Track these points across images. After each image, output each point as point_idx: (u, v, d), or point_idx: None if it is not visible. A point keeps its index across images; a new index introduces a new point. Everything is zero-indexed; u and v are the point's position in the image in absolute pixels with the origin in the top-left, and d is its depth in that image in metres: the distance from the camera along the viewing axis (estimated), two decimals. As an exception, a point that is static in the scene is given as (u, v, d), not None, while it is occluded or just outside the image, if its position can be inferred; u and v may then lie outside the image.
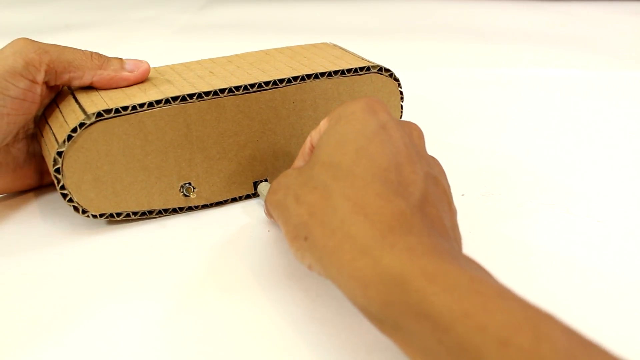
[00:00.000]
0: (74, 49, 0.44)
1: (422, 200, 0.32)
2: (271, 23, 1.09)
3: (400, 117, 0.53)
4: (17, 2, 1.28)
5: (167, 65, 0.50)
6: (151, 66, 0.49)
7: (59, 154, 0.40)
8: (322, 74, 0.47)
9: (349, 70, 0.48)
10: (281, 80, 0.46)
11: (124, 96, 0.43)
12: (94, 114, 0.41)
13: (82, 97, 0.43)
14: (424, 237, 0.29)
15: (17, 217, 0.46)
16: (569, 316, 0.29)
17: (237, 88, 0.44)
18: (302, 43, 0.56)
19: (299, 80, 0.46)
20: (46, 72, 0.42)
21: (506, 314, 0.24)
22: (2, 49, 0.42)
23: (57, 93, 0.46)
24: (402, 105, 0.52)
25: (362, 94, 0.49)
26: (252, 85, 0.45)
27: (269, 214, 0.41)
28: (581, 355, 0.23)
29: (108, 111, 0.41)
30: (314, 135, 0.40)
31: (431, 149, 0.40)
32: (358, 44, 0.69)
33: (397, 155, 0.33)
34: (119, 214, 0.44)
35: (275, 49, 0.54)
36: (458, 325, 0.25)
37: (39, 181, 0.49)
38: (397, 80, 0.51)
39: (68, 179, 0.41)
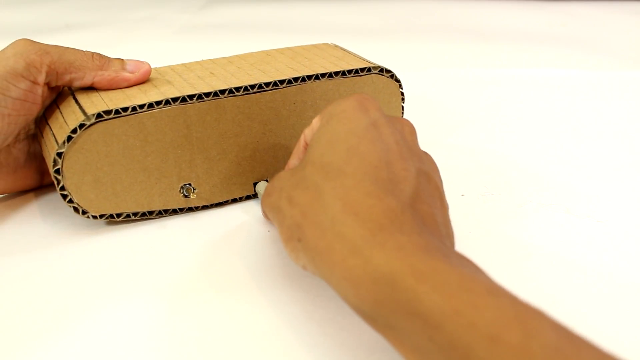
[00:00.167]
0: (75, 49, 0.44)
1: (413, 197, 0.32)
2: (271, 23, 1.09)
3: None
4: (17, 2, 1.28)
5: (167, 66, 0.50)
6: (151, 66, 0.49)
7: (59, 154, 0.40)
8: (323, 75, 0.47)
9: (349, 71, 0.48)
10: (282, 81, 0.46)
11: (124, 97, 0.43)
12: (93, 114, 0.41)
13: (82, 98, 0.43)
14: (415, 235, 0.29)
15: (17, 217, 0.46)
16: (569, 316, 0.29)
17: (238, 89, 0.44)
18: (303, 43, 0.56)
19: (299, 81, 0.46)
20: (47, 73, 0.42)
21: (496, 311, 0.25)
22: (3, 50, 0.42)
23: (58, 94, 0.46)
24: (403, 106, 0.52)
25: (363, 94, 0.49)
26: (252, 86, 0.45)
27: (265, 215, 0.41)
28: (570, 351, 0.23)
29: (108, 112, 0.41)
30: (307, 133, 0.40)
31: (431, 149, 0.40)
32: (358, 44, 0.69)
33: (387, 152, 0.33)
34: (119, 215, 0.44)
35: (276, 50, 0.54)
36: (448, 323, 0.25)
37: (40, 181, 0.49)
38: (398, 81, 0.51)
39: (68, 179, 0.41)
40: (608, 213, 0.45)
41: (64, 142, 0.40)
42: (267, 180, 0.48)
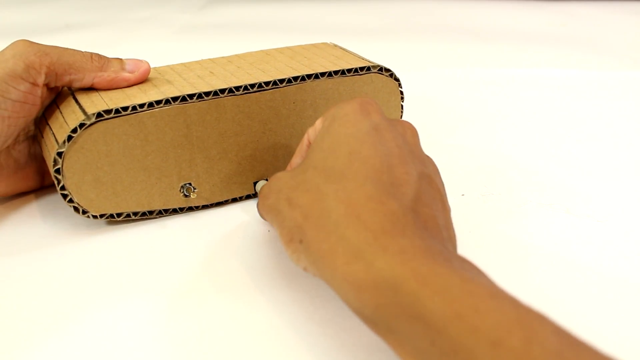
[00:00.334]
0: (74, 50, 0.44)
1: (415, 200, 0.32)
2: (271, 23, 1.09)
3: (401, 117, 0.53)
4: (17, 2, 1.28)
5: (167, 66, 0.50)
6: (151, 66, 0.49)
7: (59, 154, 0.40)
8: (323, 74, 0.47)
9: (349, 70, 0.48)
10: (281, 80, 0.46)
11: (124, 96, 0.43)
12: (94, 114, 0.41)
13: (82, 98, 0.43)
14: (417, 239, 0.29)
15: (18, 217, 0.46)
16: (569, 316, 0.29)
17: (238, 88, 0.44)
18: (302, 43, 0.56)
19: (299, 80, 0.46)
20: (46, 75, 0.42)
21: (498, 315, 0.25)
22: (2, 51, 0.42)
23: (57, 94, 0.46)
24: (402, 105, 0.52)
25: (363, 93, 0.49)
26: (252, 86, 0.45)
27: (260, 214, 0.41)
28: (571, 355, 0.23)
29: (108, 111, 0.41)
30: (310, 133, 0.40)
31: (431, 149, 0.40)
32: (358, 44, 0.69)
33: (389, 156, 0.33)
34: (119, 215, 0.44)
35: (276, 49, 0.54)
36: (450, 327, 0.25)
37: (41, 182, 0.49)
38: (397, 80, 0.51)
39: (68, 179, 0.41)
40: (608, 213, 0.45)
41: (64, 142, 0.40)
42: (267, 180, 0.48)
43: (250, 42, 0.77)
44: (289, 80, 0.46)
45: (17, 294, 0.38)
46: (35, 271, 0.40)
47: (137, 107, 0.42)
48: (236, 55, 0.52)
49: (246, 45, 0.61)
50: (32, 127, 0.48)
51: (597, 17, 1.07)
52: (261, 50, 0.54)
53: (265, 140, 0.47)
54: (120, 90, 0.44)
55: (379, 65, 0.49)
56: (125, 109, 0.41)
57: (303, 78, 0.46)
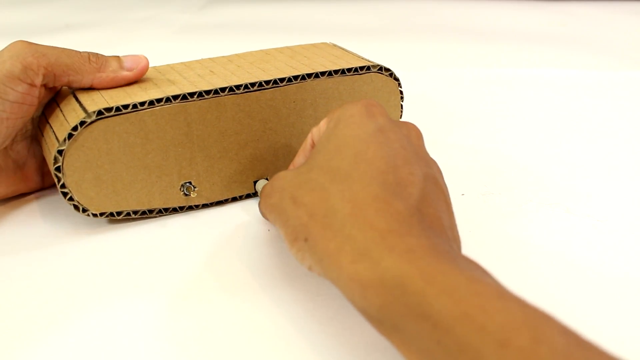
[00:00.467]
0: (72, 51, 0.44)
1: (421, 200, 0.32)
2: (271, 23, 1.09)
3: (400, 117, 0.53)
4: (17, 2, 1.28)
5: (168, 65, 0.50)
6: (151, 66, 0.49)
7: (60, 152, 0.40)
8: (323, 74, 0.47)
9: (349, 70, 0.48)
10: (282, 80, 0.46)
11: (125, 94, 0.43)
12: (94, 112, 0.41)
13: (83, 96, 0.43)
14: (423, 239, 0.29)
15: (18, 217, 0.46)
16: (569, 316, 0.29)
17: (238, 87, 0.44)
18: (302, 43, 0.56)
19: (299, 79, 0.46)
20: (44, 75, 0.42)
21: (505, 315, 0.24)
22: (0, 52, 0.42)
23: (57, 93, 0.46)
24: (402, 105, 0.52)
25: (362, 93, 0.49)
26: (252, 84, 0.45)
27: (262, 214, 0.41)
28: (579, 356, 0.23)
29: (109, 109, 0.41)
30: (315, 133, 0.41)
31: (431, 148, 0.40)
32: (358, 44, 0.69)
33: (394, 157, 0.34)
34: (119, 213, 0.44)
35: (275, 49, 0.54)
36: (457, 326, 0.25)
37: (41, 183, 0.49)
38: (397, 79, 0.51)
39: (68, 177, 0.41)
40: (608, 212, 0.45)
41: (64, 140, 0.40)
42: (267, 179, 0.48)
43: (250, 42, 0.77)
44: (289, 80, 0.46)
45: (17, 293, 0.38)
46: (36, 270, 0.40)
47: (138, 105, 0.42)
48: (236, 54, 0.52)
49: (246, 45, 0.61)
50: (30, 127, 0.47)
51: (597, 17, 1.07)
52: (261, 50, 0.54)
53: (265, 139, 0.47)
54: (120, 88, 0.44)
55: (378, 65, 0.49)
56: (125, 107, 0.41)
57: (303, 77, 0.46)
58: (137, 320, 0.35)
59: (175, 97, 0.43)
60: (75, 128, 0.40)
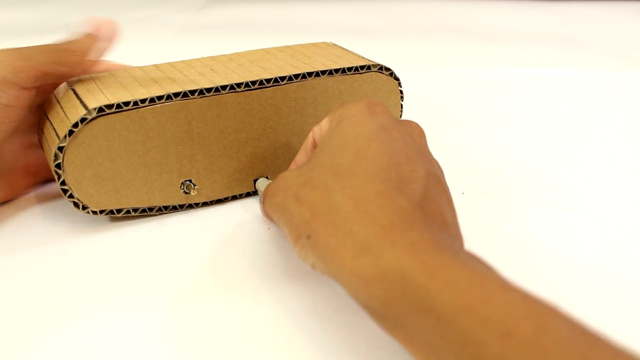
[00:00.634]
0: (53, 46, 0.44)
1: (423, 197, 0.32)
2: (271, 23, 1.09)
3: (401, 116, 0.53)
4: (17, 2, 1.28)
5: (168, 63, 0.50)
6: (152, 64, 0.49)
7: (60, 149, 0.40)
8: (323, 72, 0.47)
9: (349, 69, 0.48)
10: (282, 78, 0.46)
11: (125, 92, 0.43)
12: (95, 109, 0.41)
13: (83, 92, 0.43)
14: (426, 233, 0.29)
15: (17, 214, 0.46)
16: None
17: (239, 85, 0.44)
18: (302, 43, 0.56)
19: (300, 78, 0.46)
20: (36, 77, 0.43)
21: (508, 306, 0.24)
22: None
23: (56, 89, 0.46)
24: (402, 104, 0.52)
25: (363, 92, 0.49)
26: (253, 83, 0.45)
27: (266, 213, 0.41)
28: (583, 345, 0.23)
29: (109, 106, 0.41)
30: (316, 132, 0.41)
31: (431, 147, 0.40)
32: (358, 44, 0.69)
33: (397, 154, 0.34)
34: (119, 211, 0.44)
35: (276, 48, 0.54)
36: (460, 319, 0.25)
37: (34, 181, 0.49)
38: (397, 79, 0.51)
39: (69, 174, 0.41)
40: (608, 211, 0.45)
41: (65, 137, 0.40)
42: (267, 177, 0.48)
43: (250, 42, 0.77)
44: (290, 78, 0.46)
45: (17, 291, 0.38)
46: (36, 269, 0.40)
47: (139, 103, 0.42)
48: (237, 53, 0.52)
49: (246, 45, 0.61)
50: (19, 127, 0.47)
51: (597, 17, 1.08)
52: (262, 49, 0.54)
53: (265, 138, 0.47)
54: (121, 85, 0.44)
55: (379, 64, 0.49)
56: (126, 104, 0.41)
57: (304, 76, 0.46)
58: (137, 320, 0.35)
59: (176, 94, 0.43)
60: (75, 125, 0.40)
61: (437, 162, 0.37)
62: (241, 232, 0.43)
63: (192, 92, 0.43)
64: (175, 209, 0.46)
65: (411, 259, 0.27)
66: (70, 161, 0.41)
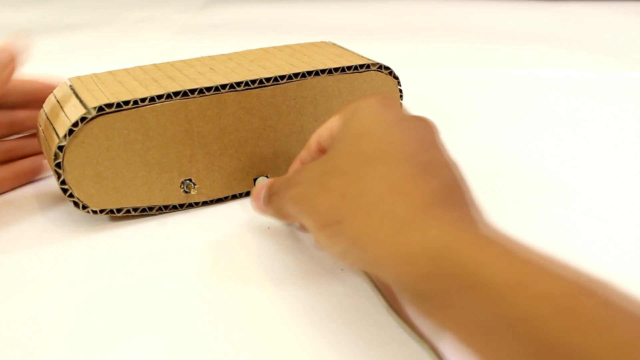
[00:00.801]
0: None
1: (454, 181, 0.31)
2: (271, 23, 1.09)
3: (401, 115, 0.53)
4: (17, 2, 1.28)
5: (168, 62, 0.50)
6: (151, 64, 0.49)
7: (60, 148, 0.40)
8: (323, 71, 0.47)
9: (349, 68, 0.48)
10: (282, 77, 0.46)
11: (125, 91, 0.43)
12: (95, 108, 0.41)
13: (83, 92, 0.43)
14: (465, 210, 0.28)
15: (17, 213, 0.46)
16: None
17: (239, 84, 0.44)
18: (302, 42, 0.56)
19: (299, 77, 0.46)
20: None
21: (563, 282, 0.23)
22: None
23: (56, 90, 0.46)
24: (401, 104, 0.52)
25: (362, 91, 0.49)
26: (253, 82, 0.45)
27: (264, 210, 0.40)
28: None
29: (109, 105, 0.41)
30: (322, 133, 0.39)
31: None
32: (358, 44, 0.69)
33: (421, 141, 0.33)
34: (119, 210, 0.44)
35: (275, 47, 0.54)
36: (514, 294, 0.23)
37: (14, 184, 0.49)
38: (396, 78, 0.51)
39: (69, 173, 0.41)
40: (608, 211, 0.45)
41: (65, 136, 0.40)
42: (267, 177, 0.48)
43: (250, 42, 0.77)
44: (290, 77, 0.46)
45: (17, 291, 0.38)
46: (35, 268, 0.40)
47: (139, 102, 0.42)
48: (236, 52, 0.52)
49: (246, 45, 0.61)
50: None
51: (597, 17, 1.08)
52: (261, 48, 0.54)
53: (265, 137, 0.47)
54: (121, 84, 0.44)
55: (378, 63, 0.49)
56: (126, 103, 0.41)
57: (303, 75, 0.46)
58: (137, 319, 0.35)
59: (176, 93, 0.43)
60: (75, 124, 0.40)
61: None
62: (241, 231, 0.43)
63: (192, 91, 0.43)
64: (175, 208, 0.46)
65: (458, 233, 0.26)
66: (70, 160, 0.41)
